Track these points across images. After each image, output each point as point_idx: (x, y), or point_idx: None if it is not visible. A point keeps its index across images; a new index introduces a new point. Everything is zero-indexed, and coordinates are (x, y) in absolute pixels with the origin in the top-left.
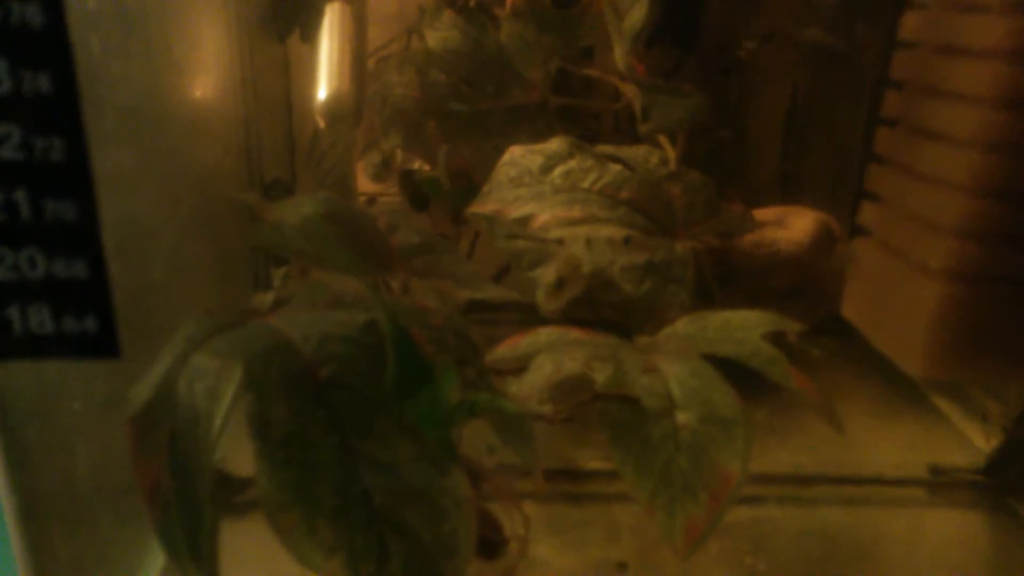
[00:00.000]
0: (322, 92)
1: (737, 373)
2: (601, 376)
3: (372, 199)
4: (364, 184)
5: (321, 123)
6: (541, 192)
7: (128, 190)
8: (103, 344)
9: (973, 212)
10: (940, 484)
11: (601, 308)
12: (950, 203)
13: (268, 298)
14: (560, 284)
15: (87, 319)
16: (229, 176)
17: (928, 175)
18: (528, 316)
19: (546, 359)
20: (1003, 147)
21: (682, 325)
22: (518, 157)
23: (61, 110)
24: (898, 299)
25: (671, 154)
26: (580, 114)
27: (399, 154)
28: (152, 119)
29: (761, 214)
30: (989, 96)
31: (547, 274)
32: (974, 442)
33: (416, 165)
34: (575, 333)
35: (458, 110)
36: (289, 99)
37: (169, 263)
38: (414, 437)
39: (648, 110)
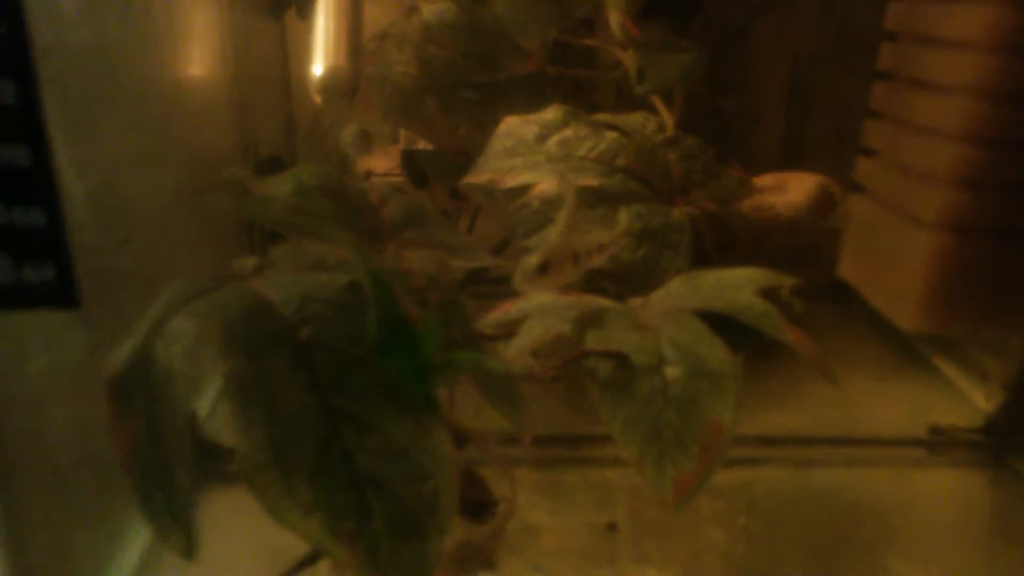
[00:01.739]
0: (317, 69)
1: (736, 339)
2: (590, 334)
3: (368, 174)
4: (372, 164)
5: (317, 99)
6: (536, 161)
7: (104, 156)
8: (62, 293)
9: (966, 161)
10: (940, 444)
11: (598, 278)
12: (943, 152)
13: (250, 262)
14: (543, 269)
15: (46, 268)
16: (219, 151)
17: (922, 125)
18: None
19: (536, 322)
20: (998, 94)
21: (675, 285)
22: (513, 127)
23: (10, 53)
24: (892, 254)
25: (668, 120)
26: (580, 84)
27: (401, 133)
28: (129, 88)
29: (761, 180)
30: (984, 42)
31: (530, 259)
32: (974, 402)
33: (421, 145)
34: (567, 298)
35: (455, 84)
36: (288, 77)
37: (153, 233)
38: (396, 396)
39: (643, 71)
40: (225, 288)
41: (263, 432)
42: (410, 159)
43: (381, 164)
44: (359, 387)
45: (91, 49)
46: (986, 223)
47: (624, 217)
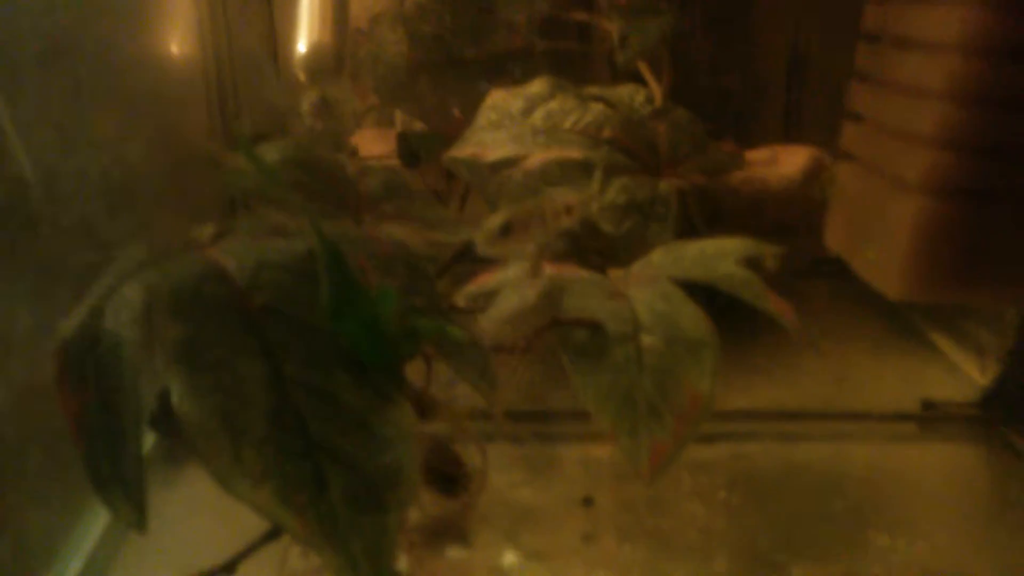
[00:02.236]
0: (302, 46)
1: (722, 317)
2: (564, 302)
3: (354, 151)
4: (369, 148)
5: (301, 77)
6: (520, 134)
7: (55, 125)
8: None
9: (950, 121)
10: (933, 418)
11: (586, 255)
12: (927, 113)
13: (208, 230)
14: (506, 230)
15: None
16: (196, 128)
17: (906, 85)
18: None
19: (511, 292)
20: (983, 51)
21: (657, 256)
22: (499, 101)
23: None
24: (877, 221)
25: (657, 92)
26: (572, 59)
27: (398, 116)
28: (98, 62)
29: (754, 154)
30: None
31: (495, 218)
32: (970, 376)
33: (418, 128)
34: (546, 269)
35: (444, 61)
36: (276, 55)
37: (114, 205)
38: (354, 365)
39: (626, 38)
40: (178, 256)
41: (210, 399)
42: (405, 141)
43: (378, 148)
44: (314, 355)
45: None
46: (970, 185)
47: (596, 180)
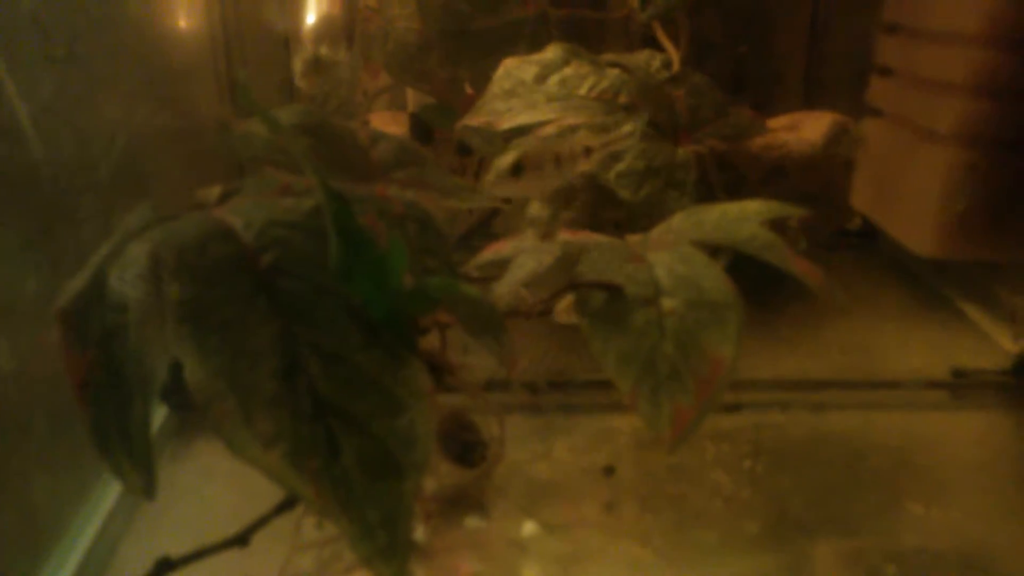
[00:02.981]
0: (310, 17)
1: (746, 288)
2: (581, 266)
3: (366, 122)
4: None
5: (310, 48)
6: (534, 101)
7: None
8: None
9: (985, 66)
10: (964, 386)
11: (603, 226)
12: (961, 59)
13: (215, 191)
14: (517, 170)
15: None
16: (203, 98)
17: (938, 32)
18: None
19: (527, 258)
20: None
21: (677, 220)
22: (512, 69)
23: None
24: (906, 176)
25: (675, 56)
26: (585, 26)
27: (410, 96)
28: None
29: (776, 121)
30: None
31: (506, 156)
32: (1001, 344)
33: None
34: (561, 235)
35: (455, 31)
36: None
37: (121, 173)
38: (366, 325)
39: None
40: (184, 216)
41: (218, 360)
42: (418, 121)
43: (391, 129)
44: (324, 314)
45: None
46: (1006, 134)
47: (639, 122)
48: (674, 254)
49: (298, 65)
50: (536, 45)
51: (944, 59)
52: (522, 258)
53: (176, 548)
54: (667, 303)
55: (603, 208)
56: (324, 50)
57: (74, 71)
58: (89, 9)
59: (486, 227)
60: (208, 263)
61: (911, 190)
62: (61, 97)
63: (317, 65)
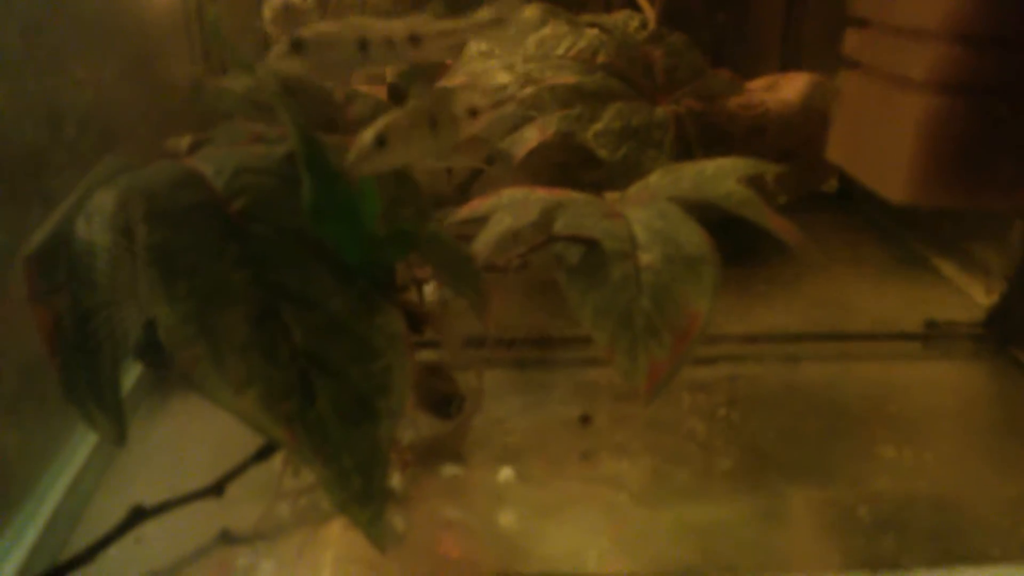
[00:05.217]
0: None
1: (722, 245)
2: (559, 221)
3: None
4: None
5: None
6: (512, 62)
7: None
8: None
9: (958, 12)
10: (937, 337)
11: (580, 187)
12: (935, 4)
13: (185, 140)
14: (381, 141)
15: None
16: (176, 53)
17: None
18: None
19: (505, 213)
20: None
21: (655, 178)
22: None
23: None
24: (881, 124)
25: (651, 15)
26: None
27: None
28: None
29: (754, 83)
30: None
31: (367, 130)
32: (974, 298)
33: None
34: (539, 192)
35: None
36: None
37: (88, 132)
38: (340, 271)
39: None
40: (153, 164)
41: (188, 304)
42: (395, 90)
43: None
44: (297, 260)
45: None
46: (978, 81)
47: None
48: (651, 210)
49: (267, 12)
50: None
51: (917, 6)
52: (500, 214)
53: (152, 500)
54: (644, 258)
55: (578, 168)
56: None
57: (43, 31)
58: None
59: (466, 191)
60: (177, 209)
61: (885, 139)
62: (29, 56)
63: (287, 11)
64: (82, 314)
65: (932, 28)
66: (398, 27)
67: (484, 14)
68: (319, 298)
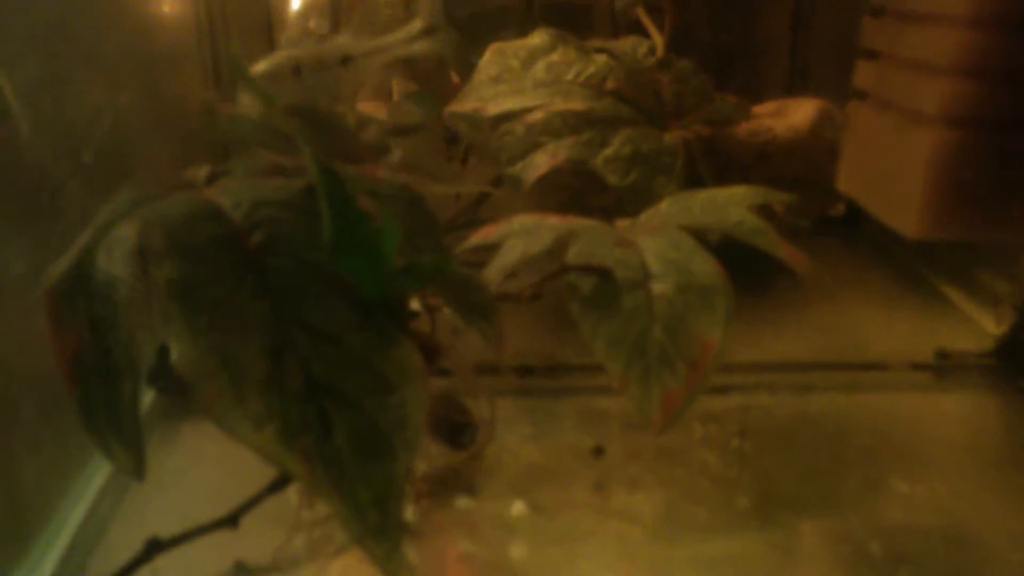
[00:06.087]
0: (295, 2)
1: (730, 271)
2: (571, 250)
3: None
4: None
5: (296, 24)
6: (521, 87)
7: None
8: None
9: (970, 47)
10: (947, 368)
11: (590, 212)
12: (946, 39)
13: (203, 171)
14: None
15: None
16: (187, 83)
17: (923, 13)
18: None
19: (517, 241)
20: None
21: (665, 205)
22: (499, 54)
23: None
24: (893, 157)
25: (659, 42)
26: (571, 12)
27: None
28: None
29: (761, 107)
30: None
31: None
32: (984, 327)
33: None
34: (551, 219)
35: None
36: (270, 10)
37: (106, 158)
38: (357, 305)
39: None
40: (172, 195)
41: (209, 339)
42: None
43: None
44: (315, 294)
45: None
46: (991, 115)
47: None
48: (663, 239)
49: (284, 41)
50: (522, 31)
51: (930, 40)
52: (512, 242)
53: (166, 531)
54: (657, 287)
55: (589, 192)
56: (312, 24)
57: (59, 55)
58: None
59: (474, 214)
60: (197, 242)
61: (896, 172)
62: (46, 81)
63: (308, 37)
64: (102, 348)
65: (944, 63)
66: (330, 50)
67: (416, 25)
68: (337, 331)
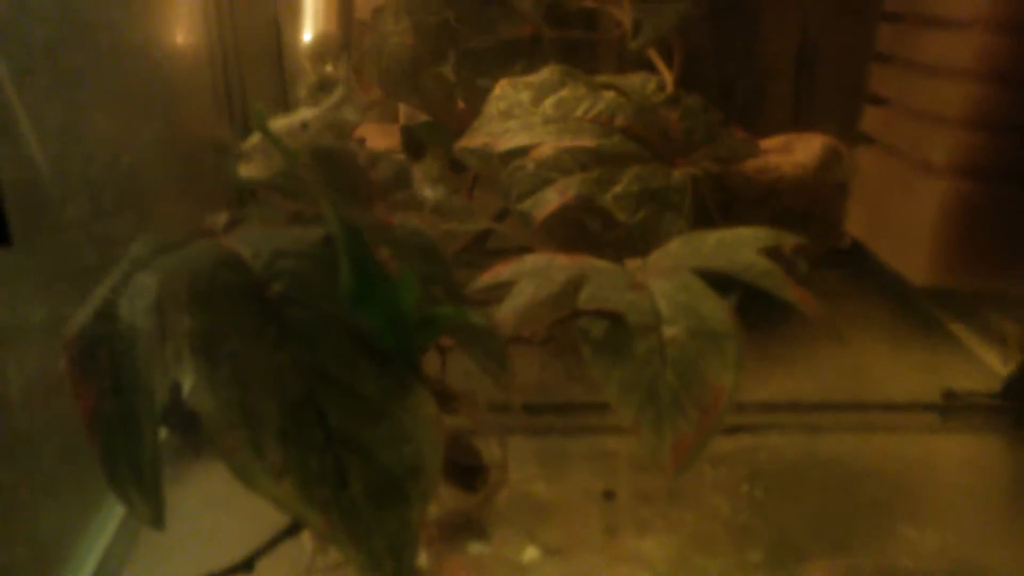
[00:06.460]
0: (307, 35)
1: (738, 308)
2: (583, 293)
3: (362, 140)
4: (372, 142)
5: (307, 65)
6: (531, 123)
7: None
8: None
9: (978, 100)
10: (954, 408)
11: (600, 248)
12: (954, 92)
13: (222, 219)
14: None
15: None
16: (201, 119)
17: (932, 64)
18: None
19: (528, 283)
20: (1012, 27)
21: (675, 246)
22: (508, 90)
23: None
24: (901, 205)
25: (669, 79)
26: (578, 47)
27: (401, 110)
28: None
29: (768, 142)
30: None
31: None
32: (991, 367)
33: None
34: (561, 260)
35: (450, 51)
36: (280, 45)
37: (121, 196)
38: (374, 354)
39: (639, 23)
40: (193, 243)
41: (229, 391)
42: (409, 134)
43: (382, 142)
44: (334, 344)
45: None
46: (999, 166)
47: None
48: (674, 282)
49: (303, 91)
50: (531, 66)
51: (939, 92)
52: (523, 283)
53: (180, 572)
54: (668, 331)
55: (598, 229)
56: (329, 68)
57: (79, 95)
58: (97, 38)
59: (481, 244)
60: (218, 293)
61: (905, 220)
62: (67, 121)
63: (322, 87)
64: (123, 397)
65: (953, 114)
66: (295, 118)
67: (338, 93)
68: (354, 382)
